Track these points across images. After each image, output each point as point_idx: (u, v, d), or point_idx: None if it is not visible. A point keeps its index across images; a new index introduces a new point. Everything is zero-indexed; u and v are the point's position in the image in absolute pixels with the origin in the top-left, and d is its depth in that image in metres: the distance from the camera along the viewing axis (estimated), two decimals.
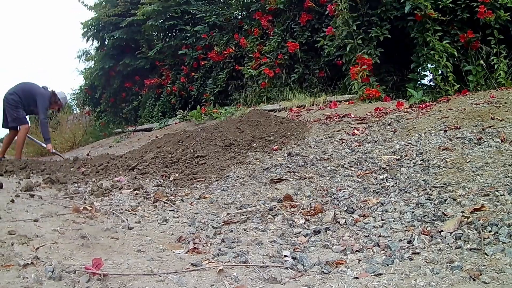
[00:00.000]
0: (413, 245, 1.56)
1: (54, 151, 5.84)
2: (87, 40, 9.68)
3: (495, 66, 4.58)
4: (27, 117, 5.82)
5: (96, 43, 9.86)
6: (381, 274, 1.38)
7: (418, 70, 5.22)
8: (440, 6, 4.73)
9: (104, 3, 9.23)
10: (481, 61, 4.55)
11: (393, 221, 1.81)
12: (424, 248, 1.53)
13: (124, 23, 8.35)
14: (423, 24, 4.71)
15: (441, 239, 1.56)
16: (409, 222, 1.77)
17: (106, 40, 9.31)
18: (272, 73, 6.18)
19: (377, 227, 1.78)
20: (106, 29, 9.15)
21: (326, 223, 1.90)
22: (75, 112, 12.27)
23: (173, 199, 2.45)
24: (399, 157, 2.64)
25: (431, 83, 5.29)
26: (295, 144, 3.45)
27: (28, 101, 5.56)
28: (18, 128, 5.56)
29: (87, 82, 10.65)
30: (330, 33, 5.36)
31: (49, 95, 5.70)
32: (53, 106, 5.98)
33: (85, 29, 9.48)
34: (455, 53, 4.57)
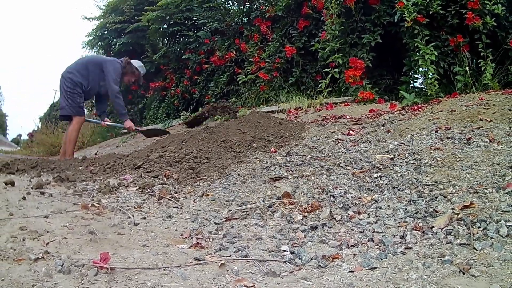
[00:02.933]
0: (405, 240, 1.56)
1: (137, 129, 4.63)
2: (93, 47, 9.68)
3: (482, 69, 4.59)
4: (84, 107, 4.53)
5: (101, 50, 9.86)
6: (375, 268, 1.38)
7: (410, 73, 5.23)
8: (431, 12, 4.75)
9: (109, 12, 9.25)
10: (468, 64, 4.56)
11: (387, 217, 1.81)
12: (416, 243, 1.53)
13: (129, 28, 8.35)
14: (413, 30, 4.72)
15: (432, 235, 1.56)
16: (402, 218, 1.77)
17: (112, 45, 9.32)
18: (268, 76, 6.19)
19: (371, 223, 1.78)
20: (112, 35, 9.15)
21: (322, 219, 1.90)
22: None
23: (177, 197, 2.45)
24: (392, 156, 2.64)
25: (422, 86, 5.31)
26: (293, 144, 3.45)
27: (94, 76, 4.31)
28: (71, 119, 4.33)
29: None
30: (324, 38, 5.38)
31: (121, 62, 4.55)
32: (129, 77, 4.70)
33: (92, 37, 9.48)
34: (434, 58, 4.56)
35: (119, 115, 4.58)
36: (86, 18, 9.50)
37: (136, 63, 4.76)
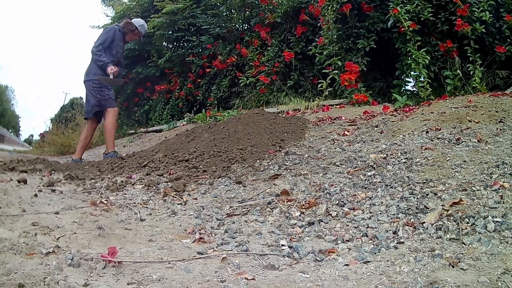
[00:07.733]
0: (398, 236, 1.56)
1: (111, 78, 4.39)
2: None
3: (471, 73, 4.60)
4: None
5: None
6: (369, 261, 1.38)
7: (402, 77, 5.23)
8: (422, 19, 4.75)
9: (117, 19, 9.23)
10: (458, 68, 4.56)
11: (380, 213, 1.81)
12: (408, 238, 1.53)
13: None
14: (405, 36, 4.73)
15: (423, 230, 1.56)
16: (394, 214, 1.77)
17: None
18: (268, 80, 6.19)
19: (366, 219, 1.77)
20: None
21: (319, 215, 1.90)
22: None
23: (181, 194, 2.45)
24: (385, 155, 2.63)
25: (414, 89, 5.31)
26: (292, 144, 3.45)
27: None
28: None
29: None
30: (321, 43, 5.39)
31: (117, 27, 4.62)
32: (130, 37, 4.79)
33: None
34: (427, 62, 4.56)
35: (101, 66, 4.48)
36: (94, 27, 9.49)
37: (136, 21, 4.77)
